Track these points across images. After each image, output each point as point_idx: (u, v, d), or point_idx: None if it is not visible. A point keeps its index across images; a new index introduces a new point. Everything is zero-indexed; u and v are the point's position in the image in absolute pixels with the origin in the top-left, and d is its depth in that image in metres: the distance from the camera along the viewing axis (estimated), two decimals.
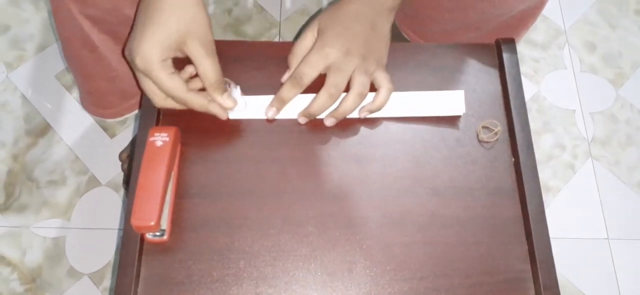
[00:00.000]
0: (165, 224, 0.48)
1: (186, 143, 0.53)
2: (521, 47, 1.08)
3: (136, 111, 0.82)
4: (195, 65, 0.50)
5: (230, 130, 0.54)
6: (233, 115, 0.54)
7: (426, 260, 0.48)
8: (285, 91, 0.53)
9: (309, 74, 0.52)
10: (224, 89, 0.52)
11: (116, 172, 0.93)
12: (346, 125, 0.54)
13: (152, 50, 0.48)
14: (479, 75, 0.57)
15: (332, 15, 0.53)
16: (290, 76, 0.53)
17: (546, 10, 1.12)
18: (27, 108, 0.98)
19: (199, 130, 0.53)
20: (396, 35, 0.78)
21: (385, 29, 0.54)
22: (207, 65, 0.49)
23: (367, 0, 0.53)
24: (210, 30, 0.50)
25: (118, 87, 0.75)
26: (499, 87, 0.56)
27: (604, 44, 1.09)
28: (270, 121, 0.54)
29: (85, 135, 0.96)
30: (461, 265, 0.48)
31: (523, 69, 1.05)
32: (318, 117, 0.53)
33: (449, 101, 0.54)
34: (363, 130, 0.54)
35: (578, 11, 1.13)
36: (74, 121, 0.97)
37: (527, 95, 1.03)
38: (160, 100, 0.51)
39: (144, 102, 0.54)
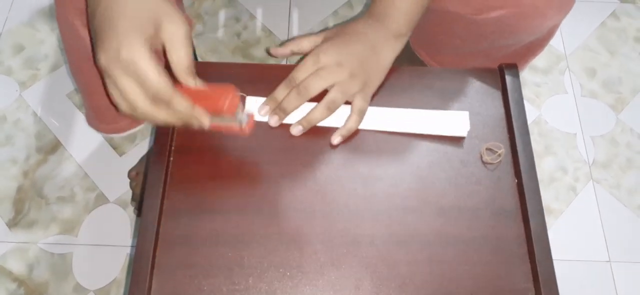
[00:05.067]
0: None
1: (197, 161, 0.54)
2: (523, 72, 1.10)
3: (139, 127, 0.82)
4: (169, 50, 0.46)
5: (241, 149, 0.55)
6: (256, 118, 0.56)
7: (431, 278, 0.49)
8: (278, 91, 0.54)
9: (301, 77, 0.52)
10: (195, 75, 0.48)
11: (124, 190, 0.94)
12: (353, 145, 0.56)
13: (135, 37, 0.43)
14: (483, 98, 0.59)
15: (335, 31, 0.55)
16: (286, 79, 0.54)
17: None
18: (38, 126, 1.00)
19: (211, 149, 0.55)
20: (410, 55, 0.80)
21: (386, 56, 0.55)
22: (182, 51, 0.46)
23: (373, 22, 0.55)
24: (180, 14, 0.47)
25: None
26: (502, 111, 0.58)
27: (604, 70, 1.11)
28: (281, 141, 0.56)
29: (94, 153, 0.98)
30: (466, 284, 0.49)
31: (525, 93, 1.07)
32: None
33: (453, 121, 0.56)
34: (370, 150, 0.55)
35: (579, 38, 1.15)
36: (83, 139, 0.99)
37: (529, 119, 1.05)
38: (143, 103, 0.45)
39: None
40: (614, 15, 1.18)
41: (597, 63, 1.12)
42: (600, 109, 1.07)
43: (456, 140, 0.56)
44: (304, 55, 0.56)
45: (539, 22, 0.60)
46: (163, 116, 0.46)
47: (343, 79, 0.52)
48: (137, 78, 0.44)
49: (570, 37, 1.15)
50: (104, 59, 0.45)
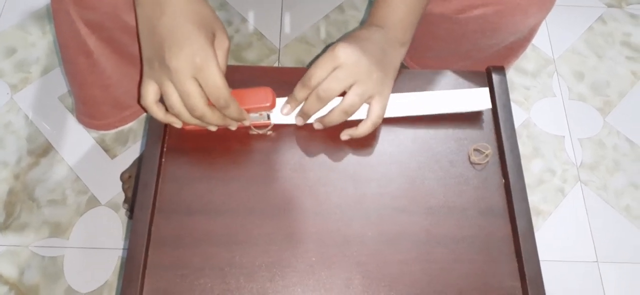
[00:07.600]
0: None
1: (191, 162, 0.55)
2: (512, 75, 1.12)
3: (130, 124, 0.82)
4: (218, 53, 0.51)
5: (232, 150, 0.56)
6: (276, 120, 0.57)
7: (421, 277, 0.50)
8: (297, 91, 0.54)
9: (317, 76, 0.52)
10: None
11: (116, 192, 0.94)
12: (345, 148, 0.56)
13: (207, 45, 0.48)
14: None
15: (345, 37, 0.55)
16: (301, 78, 0.54)
17: (536, 40, 1.17)
18: (30, 129, 1.00)
19: (204, 149, 0.56)
20: None
21: (395, 60, 0.56)
22: (225, 59, 0.52)
23: (376, 29, 0.55)
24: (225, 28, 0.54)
25: (112, 96, 0.75)
26: (489, 112, 0.59)
27: (591, 73, 1.13)
28: (272, 142, 0.56)
29: (86, 155, 0.98)
30: (454, 282, 0.50)
31: (514, 96, 1.09)
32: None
33: (471, 99, 0.56)
34: (361, 152, 0.56)
35: (566, 42, 1.17)
36: (75, 142, 0.99)
37: (518, 121, 1.06)
38: (202, 106, 0.50)
39: (151, 120, 0.56)
40: (601, 19, 1.20)
41: (584, 67, 1.14)
42: (587, 112, 1.09)
43: (445, 140, 0.57)
44: (312, 62, 0.55)
45: (520, 19, 0.61)
46: (215, 119, 0.52)
47: (361, 78, 0.52)
48: (205, 82, 0.49)
49: (558, 41, 1.17)
50: (175, 63, 0.48)
